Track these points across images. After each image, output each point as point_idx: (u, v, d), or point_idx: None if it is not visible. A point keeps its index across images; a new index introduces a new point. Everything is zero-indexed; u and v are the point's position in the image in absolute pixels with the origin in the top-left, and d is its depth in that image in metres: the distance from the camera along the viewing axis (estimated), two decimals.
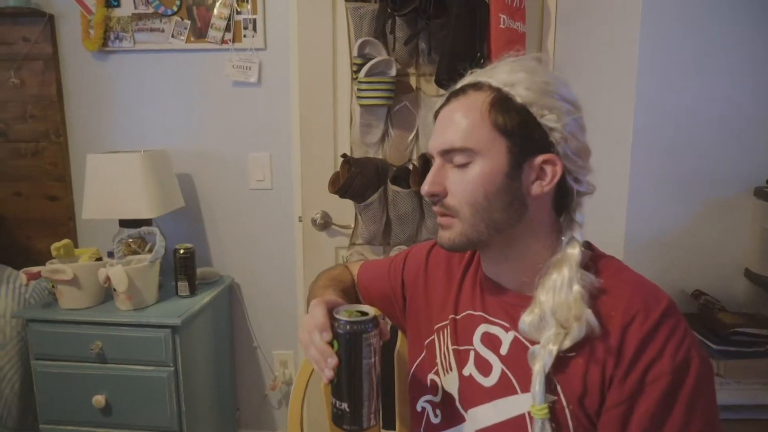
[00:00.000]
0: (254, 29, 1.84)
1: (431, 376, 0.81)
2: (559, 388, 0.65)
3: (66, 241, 1.64)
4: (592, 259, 0.72)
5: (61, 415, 1.61)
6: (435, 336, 0.82)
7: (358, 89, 1.62)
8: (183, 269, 1.69)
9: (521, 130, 0.68)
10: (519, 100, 0.68)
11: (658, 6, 1.12)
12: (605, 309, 0.66)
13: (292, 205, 1.89)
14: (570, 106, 0.69)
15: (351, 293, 0.98)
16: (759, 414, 1.11)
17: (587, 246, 0.74)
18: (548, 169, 0.69)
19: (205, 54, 1.87)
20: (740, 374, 1.12)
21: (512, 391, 0.69)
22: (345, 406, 0.67)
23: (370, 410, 0.68)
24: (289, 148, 1.87)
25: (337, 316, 0.68)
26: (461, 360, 0.76)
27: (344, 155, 1.64)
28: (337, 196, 1.61)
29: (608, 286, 0.67)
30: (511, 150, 0.68)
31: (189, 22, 1.85)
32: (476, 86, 0.71)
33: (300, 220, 1.82)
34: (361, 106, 1.65)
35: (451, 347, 0.78)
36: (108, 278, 1.52)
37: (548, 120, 0.67)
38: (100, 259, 1.70)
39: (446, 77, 1.52)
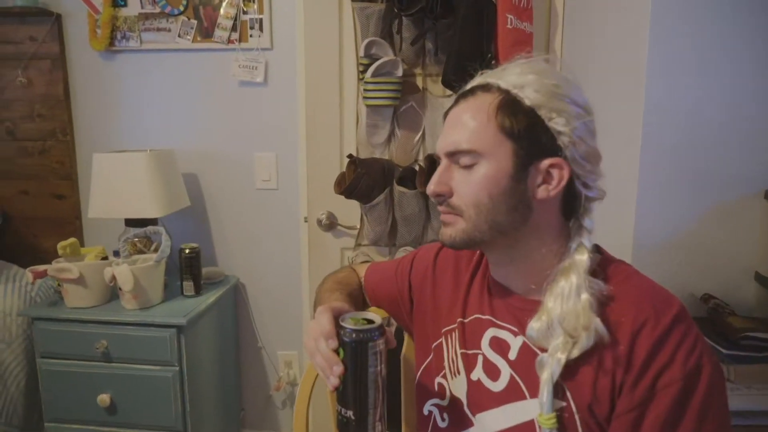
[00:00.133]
0: (260, 29, 1.84)
1: (439, 379, 0.80)
2: (568, 394, 0.65)
3: (72, 239, 1.65)
4: (601, 265, 0.71)
5: (66, 414, 1.61)
6: (443, 339, 0.82)
7: (365, 89, 1.62)
8: (188, 269, 1.69)
9: (528, 133, 0.67)
10: (527, 102, 0.67)
11: (667, 6, 1.10)
12: (614, 316, 0.65)
13: (297, 205, 1.89)
14: (580, 110, 0.68)
15: (357, 296, 0.97)
16: None
17: (596, 250, 0.73)
18: (555, 173, 0.68)
19: (212, 54, 1.87)
20: (750, 379, 1.11)
21: (521, 397, 0.69)
22: (350, 413, 0.67)
23: (375, 418, 0.67)
24: (295, 148, 1.86)
25: (343, 323, 0.67)
26: (469, 364, 0.76)
27: (350, 156, 1.63)
28: (342, 197, 1.61)
29: (617, 292, 0.67)
30: (516, 153, 0.68)
31: (195, 21, 1.85)
32: (485, 88, 0.71)
33: (305, 221, 1.82)
34: (368, 106, 1.64)
35: (459, 351, 0.77)
36: (114, 277, 1.52)
37: (556, 123, 0.67)
38: (106, 258, 1.71)
39: (453, 78, 1.51)
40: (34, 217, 2.00)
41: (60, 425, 1.62)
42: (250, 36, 1.84)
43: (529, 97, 0.67)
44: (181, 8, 1.85)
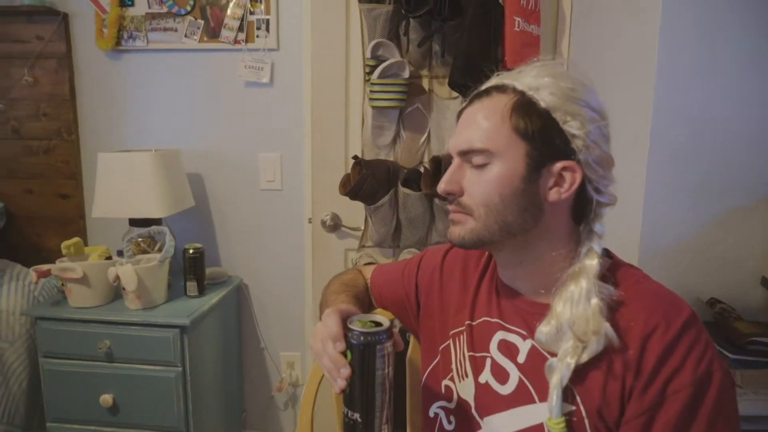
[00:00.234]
0: (267, 30, 1.84)
1: (446, 382, 0.80)
2: (578, 398, 0.64)
3: (76, 239, 1.65)
4: (611, 269, 0.70)
5: (68, 414, 1.61)
6: (450, 341, 0.81)
7: (371, 91, 1.62)
8: (192, 269, 1.69)
9: (542, 135, 0.67)
10: (542, 104, 0.67)
11: (678, 8, 1.10)
12: (624, 321, 0.65)
13: (302, 206, 1.89)
14: (595, 114, 0.68)
15: (364, 298, 0.97)
16: None
17: (606, 254, 0.72)
18: (567, 176, 0.68)
19: (218, 54, 1.87)
20: (757, 384, 1.10)
21: (530, 400, 0.68)
22: (357, 416, 0.67)
23: (382, 420, 0.67)
24: (300, 149, 1.86)
25: (351, 326, 0.67)
26: (477, 367, 0.75)
27: (355, 157, 1.63)
28: (347, 198, 1.61)
29: (627, 297, 0.66)
30: (529, 154, 0.67)
31: (202, 21, 1.85)
32: (500, 88, 0.70)
33: (310, 222, 1.81)
34: (374, 107, 1.64)
35: (467, 353, 0.77)
36: (118, 277, 1.52)
37: (571, 126, 0.66)
38: (109, 257, 1.70)
39: (460, 80, 1.51)
40: (38, 216, 2.00)
41: (62, 425, 1.61)
42: (257, 36, 1.84)
43: (544, 99, 0.67)
44: (188, 8, 1.85)
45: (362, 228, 1.74)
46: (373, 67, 1.60)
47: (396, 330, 0.69)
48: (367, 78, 1.65)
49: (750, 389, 1.08)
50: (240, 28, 1.84)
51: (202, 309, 1.62)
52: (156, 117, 1.93)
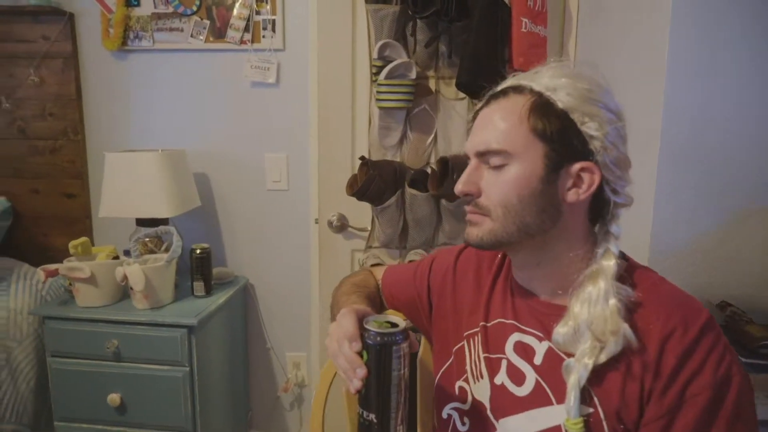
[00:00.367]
0: (273, 30, 1.84)
1: (460, 383, 0.80)
2: (596, 400, 0.64)
3: (84, 239, 1.65)
4: (628, 271, 0.70)
5: (75, 413, 1.61)
6: (464, 343, 0.81)
7: (378, 91, 1.62)
8: (199, 269, 1.69)
9: (560, 136, 0.67)
10: (560, 105, 0.67)
11: (689, 6, 1.09)
12: (642, 323, 0.65)
13: (308, 206, 1.89)
14: (612, 116, 0.68)
15: (375, 299, 0.97)
16: None
17: (622, 256, 0.73)
18: (585, 177, 0.68)
19: (224, 54, 1.87)
20: None
21: (547, 402, 0.68)
22: (372, 417, 0.67)
23: (398, 421, 0.67)
24: (306, 149, 1.86)
25: (366, 326, 0.67)
26: (493, 368, 0.75)
27: (362, 158, 1.63)
28: (353, 199, 1.61)
29: (645, 299, 0.66)
30: (548, 155, 0.67)
31: (208, 22, 1.85)
32: (517, 89, 0.70)
33: (316, 222, 1.82)
34: (380, 108, 1.64)
35: (482, 355, 0.77)
36: (125, 277, 1.52)
37: (589, 127, 0.66)
38: (116, 257, 1.71)
39: (468, 81, 1.51)
40: (44, 216, 2.00)
41: (69, 424, 1.61)
42: (263, 37, 1.84)
43: (561, 100, 0.67)
44: (194, 8, 1.85)
45: (369, 229, 1.74)
46: (380, 68, 1.60)
47: (411, 331, 0.69)
48: (373, 78, 1.65)
49: (762, 393, 1.08)
50: (246, 29, 1.84)
51: (210, 309, 1.62)
52: (162, 117, 1.93)
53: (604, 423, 0.64)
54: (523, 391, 0.71)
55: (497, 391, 0.74)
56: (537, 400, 0.69)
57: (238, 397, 1.93)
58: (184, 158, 1.82)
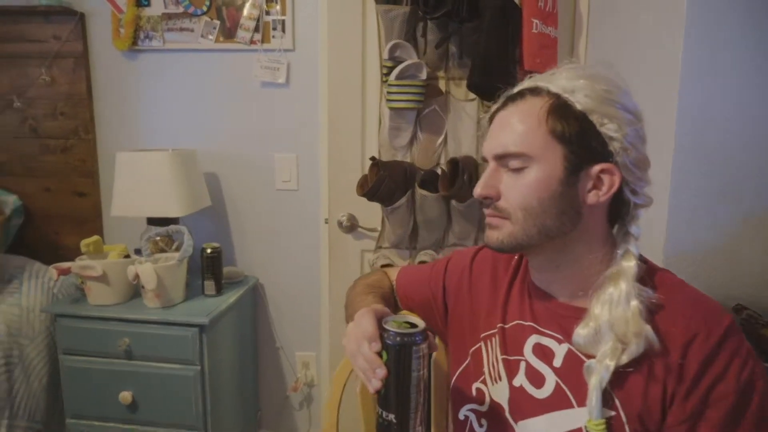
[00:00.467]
0: (283, 30, 1.84)
1: (477, 384, 0.80)
2: (617, 403, 0.65)
3: (95, 237, 1.66)
4: (648, 273, 0.71)
5: (87, 410, 1.62)
6: (481, 344, 0.81)
7: (388, 92, 1.62)
8: (210, 268, 1.70)
9: (579, 138, 0.67)
10: (579, 107, 0.67)
11: (703, 6, 1.09)
12: (664, 325, 0.65)
13: (318, 206, 1.89)
14: (631, 116, 0.68)
15: (390, 300, 0.97)
16: None
17: (641, 259, 0.73)
18: (606, 178, 0.68)
19: (234, 54, 1.87)
20: None
21: (568, 405, 0.69)
22: (392, 417, 0.67)
23: (417, 422, 0.68)
24: (316, 149, 1.87)
25: (386, 326, 0.67)
26: (511, 370, 0.75)
27: (373, 158, 1.64)
28: (363, 199, 1.61)
29: (666, 301, 0.66)
30: (567, 157, 0.67)
31: (218, 22, 1.86)
32: (534, 91, 0.70)
33: (326, 222, 1.82)
34: (391, 109, 1.64)
35: (500, 356, 0.77)
36: (137, 275, 1.53)
37: (608, 129, 0.67)
38: (127, 256, 1.71)
39: (479, 81, 1.51)
40: (55, 215, 2.01)
41: (81, 421, 1.62)
42: (273, 37, 1.85)
43: (580, 101, 0.67)
44: (204, 8, 1.86)
45: (379, 229, 1.74)
46: (391, 68, 1.60)
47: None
48: (384, 79, 1.66)
49: None
50: (256, 29, 1.84)
51: (220, 308, 1.63)
52: (172, 117, 1.94)
53: (627, 427, 0.64)
54: (542, 393, 0.71)
55: (516, 393, 0.74)
56: (557, 402, 0.70)
57: (248, 397, 1.94)
58: (195, 158, 1.83)
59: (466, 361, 0.84)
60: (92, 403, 1.61)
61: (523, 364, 0.75)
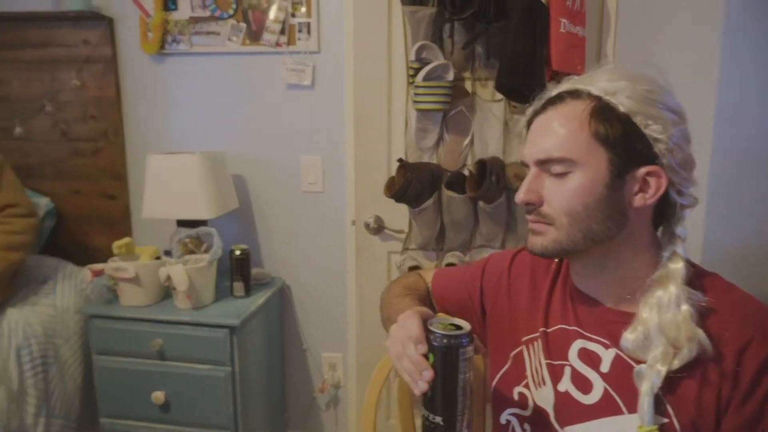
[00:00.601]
0: (308, 33, 1.85)
1: (519, 388, 0.80)
2: (670, 410, 0.64)
3: (128, 239, 1.68)
4: (696, 276, 0.70)
5: (120, 410, 1.65)
6: (523, 348, 0.81)
7: (415, 93, 1.62)
8: (239, 270, 1.72)
9: (623, 141, 0.66)
10: (622, 109, 0.66)
11: (740, 3, 1.07)
12: (716, 329, 0.64)
13: (343, 208, 1.90)
14: (675, 117, 0.67)
15: (426, 302, 0.97)
16: None
17: (688, 262, 0.72)
18: (652, 181, 0.67)
19: (260, 57, 1.89)
20: None
21: (617, 411, 0.68)
22: (439, 419, 0.67)
23: (463, 424, 0.67)
24: (342, 151, 1.87)
25: (432, 328, 0.67)
26: (555, 375, 0.75)
27: (400, 160, 1.64)
28: (390, 200, 1.62)
29: (717, 305, 0.66)
30: (612, 161, 0.67)
31: (244, 25, 1.88)
32: (574, 94, 0.70)
33: (353, 224, 1.83)
34: (417, 110, 1.64)
35: (543, 361, 0.77)
36: (169, 277, 1.55)
37: (653, 131, 0.66)
38: (159, 257, 1.74)
39: (507, 82, 1.50)
40: (85, 216, 2.05)
41: (115, 421, 1.65)
42: (298, 39, 1.86)
43: (622, 103, 0.66)
44: (231, 12, 1.87)
45: (405, 230, 1.74)
46: (417, 70, 1.60)
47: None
48: (410, 81, 1.65)
49: None
50: (281, 31, 1.85)
51: (250, 309, 1.64)
52: (199, 119, 1.96)
53: None
54: (590, 399, 0.70)
55: (562, 398, 0.74)
56: (606, 408, 0.69)
57: (275, 398, 1.96)
58: (223, 160, 1.85)
59: (507, 365, 0.83)
60: (125, 402, 1.64)
61: (568, 369, 0.74)
